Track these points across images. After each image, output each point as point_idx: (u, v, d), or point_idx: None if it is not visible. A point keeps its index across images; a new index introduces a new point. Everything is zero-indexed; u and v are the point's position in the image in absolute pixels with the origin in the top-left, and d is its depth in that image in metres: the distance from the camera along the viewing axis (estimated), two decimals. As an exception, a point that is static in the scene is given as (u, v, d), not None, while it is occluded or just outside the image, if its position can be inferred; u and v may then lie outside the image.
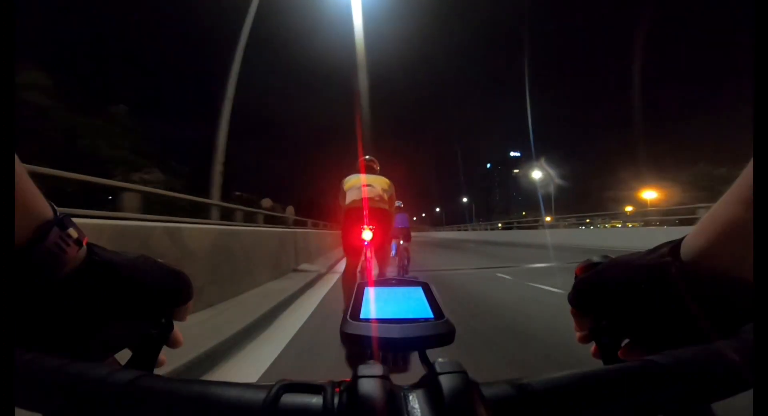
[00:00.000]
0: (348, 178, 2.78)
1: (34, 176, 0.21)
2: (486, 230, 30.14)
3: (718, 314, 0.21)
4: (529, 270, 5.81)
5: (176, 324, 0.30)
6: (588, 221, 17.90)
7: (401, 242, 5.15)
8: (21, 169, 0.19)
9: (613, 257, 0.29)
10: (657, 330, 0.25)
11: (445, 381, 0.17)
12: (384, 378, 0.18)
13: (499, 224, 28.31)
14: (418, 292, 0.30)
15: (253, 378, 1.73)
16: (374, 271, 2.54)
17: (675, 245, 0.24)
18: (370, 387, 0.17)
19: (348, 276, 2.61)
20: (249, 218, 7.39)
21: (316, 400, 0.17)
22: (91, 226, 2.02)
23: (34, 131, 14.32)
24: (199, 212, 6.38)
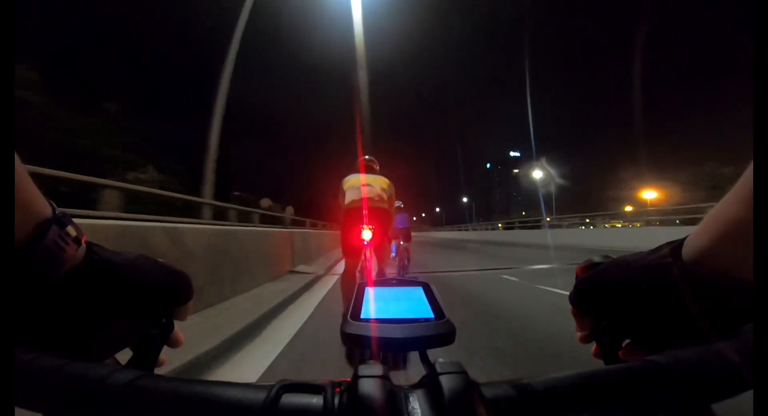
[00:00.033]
0: (348, 178, 2.78)
1: (33, 176, 0.21)
2: (486, 229, 30.00)
3: (720, 314, 0.21)
4: (534, 271, 5.59)
5: (177, 324, 0.30)
6: (588, 221, 17.84)
7: (401, 242, 5.14)
8: (21, 168, 0.19)
9: (615, 257, 0.29)
10: (658, 331, 0.25)
11: (446, 382, 0.17)
12: (384, 378, 0.18)
13: (500, 225, 28.18)
14: (419, 292, 0.30)
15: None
16: (374, 271, 2.54)
17: (676, 246, 0.24)
18: (370, 387, 0.17)
19: (347, 277, 2.61)
20: (245, 218, 7.19)
21: (316, 400, 0.17)
22: (84, 225, 2.02)
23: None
24: (192, 211, 6.13)
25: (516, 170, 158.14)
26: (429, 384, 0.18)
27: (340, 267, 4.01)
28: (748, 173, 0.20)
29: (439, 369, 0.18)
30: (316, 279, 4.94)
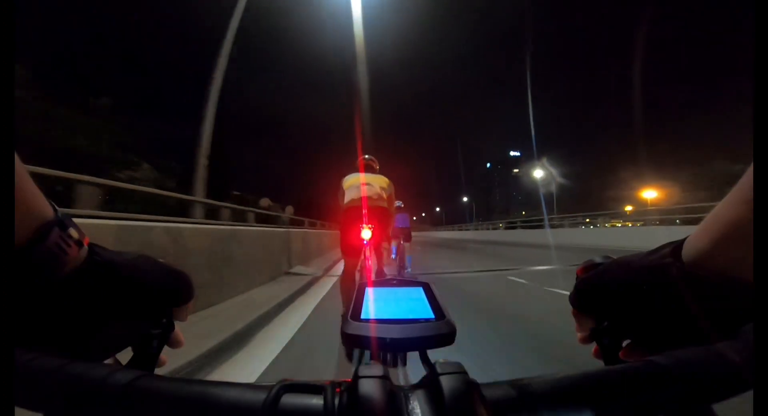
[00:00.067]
0: (347, 177, 2.79)
1: (34, 176, 0.21)
2: (488, 229, 29.81)
3: (720, 315, 0.21)
4: (541, 273, 5.36)
5: (177, 324, 0.30)
6: (588, 220, 17.78)
7: (402, 242, 5.14)
8: (22, 169, 0.19)
9: (615, 257, 0.29)
10: (658, 331, 0.25)
11: (446, 382, 0.17)
12: (384, 378, 0.18)
13: (500, 224, 28.05)
14: (419, 292, 0.30)
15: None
16: (373, 271, 2.54)
17: (677, 246, 0.24)
18: (370, 387, 0.17)
19: (346, 277, 2.61)
20: (240, 218, 6.81)
21: (316, 401, 0.17)
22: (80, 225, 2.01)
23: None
24: (185, 210, 5.67)
25: (516, 170, 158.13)
26: (429, 384, 0.18)
27: (339, 268, 3.89)
28: (749, 174, 0.20)
29: (439, 370, 0.18)
30: (313, 281, 4.70)
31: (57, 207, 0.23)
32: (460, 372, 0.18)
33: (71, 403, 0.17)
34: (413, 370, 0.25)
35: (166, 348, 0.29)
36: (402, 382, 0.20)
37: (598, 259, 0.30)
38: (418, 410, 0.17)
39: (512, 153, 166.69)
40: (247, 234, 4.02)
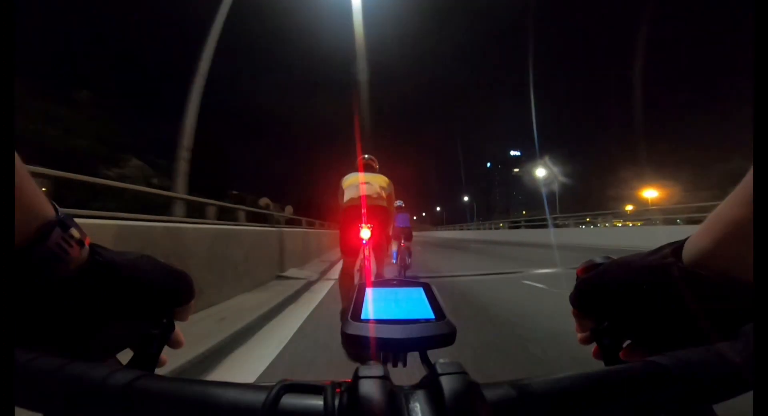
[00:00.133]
0: (347, 176, 2.79)
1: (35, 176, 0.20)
2: (489, 229, 29.59)
3: (720, 315, 0.21)
4: (557, 276, 4.77)
5: (178, 324, 0.30)
6: (588, 220, 17.71)
7: (402, 242, 5.12)
8: (23, 169, 0.19)
9: (616, 257, 0.29)
10: (658, 331, 0.25)
11: (446, 382, 0.17)
12: (385, 378, 0.18)
13: (501, 224, 27.89)
14: (419, 293, 0.30)
15: None
16: (373, 272, 2.53)
17: (677, 247, 0.24)
18: (370, 387, 0.17)
19: (345, 276, 2.61)
20: (229, 216, 6.17)
21: (316, 401, 0.17)
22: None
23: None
24: (166, 209, 4.92)
25: (516, 170, 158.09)
26: (429, 384, 0.18)
27: (336, 271, 3.57)
28: (749, 175, 0.20)
29: (439, 370, 0.18)
30: (307, 286, 4.21)
31: (58, 207, 0.23)
32: (461, 372, 0.18)
33: (71, 403, 0.17)
34: (413, 370, 0.25)
35: (166, 348, 0.29)
36: (402, 382, 0.20)
37: (598, 259, 0.30)
38: (418, 410, 0.17)
39: (512, 153, 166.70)
40: (234, 234, 3.64)
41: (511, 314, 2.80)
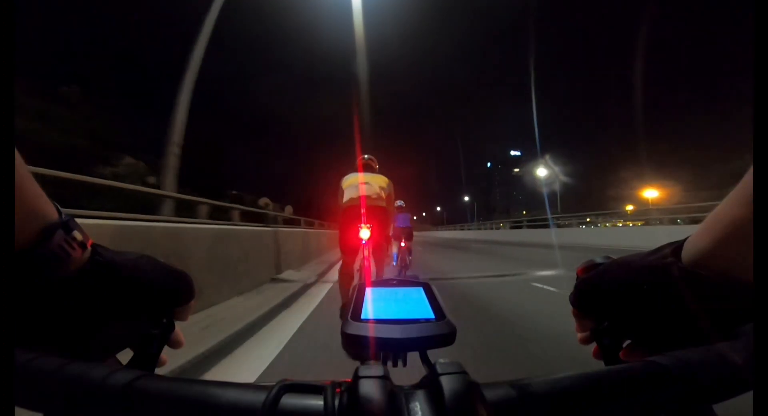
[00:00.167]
0: (347, 177, 2.80)
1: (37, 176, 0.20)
2: (491, 229, 29.47)
3: (720, 315, 0.21)
4: (567, 278, 4.44)
5: (178, 324, 0.30)
6: (589, 220, 17.68)
7: (403, 241, 5.12)
8: (24, 170, 0.19)
9: (615, 257, 0.29)
10: (658, 331, 0.25)
11: (446, 382, 0.17)
12: (385, 378, 0.18)
13: (501, 224, 27.81)
14: (419, 292, 0.29)
15: None
16: (372, 272, 2.53)
17: (677, 246, 0.24)
18: (370, 387, 0.17)
19: (344, 274, 2.61)
20: (221, 216, 5.89)
21: (316, 401, 0.17)
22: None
23: None
24: (154, 209, 4.60)
25: (516, 170, 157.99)
26: (429, 384, 0.18)
27: (335, 272, 3.45)
28: (749, 175, 0.20)
29: (439, 370, 0.18)
30: (303, 290, 3.98)
31: (61, 208, 0.23)
32: (461, 372, 0.18)
33: (71, 403, 0.17)
34: (413, 370, 0.25)
35: (166, 348, 0.29)
36: (402, 382, 0.20)
37: (598, 259, 0.30)
38: (418, 410, 0.17)
39: (513, 153, 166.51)
40: (234, 234, 3.52)
41: (522, 319, 2.49)
